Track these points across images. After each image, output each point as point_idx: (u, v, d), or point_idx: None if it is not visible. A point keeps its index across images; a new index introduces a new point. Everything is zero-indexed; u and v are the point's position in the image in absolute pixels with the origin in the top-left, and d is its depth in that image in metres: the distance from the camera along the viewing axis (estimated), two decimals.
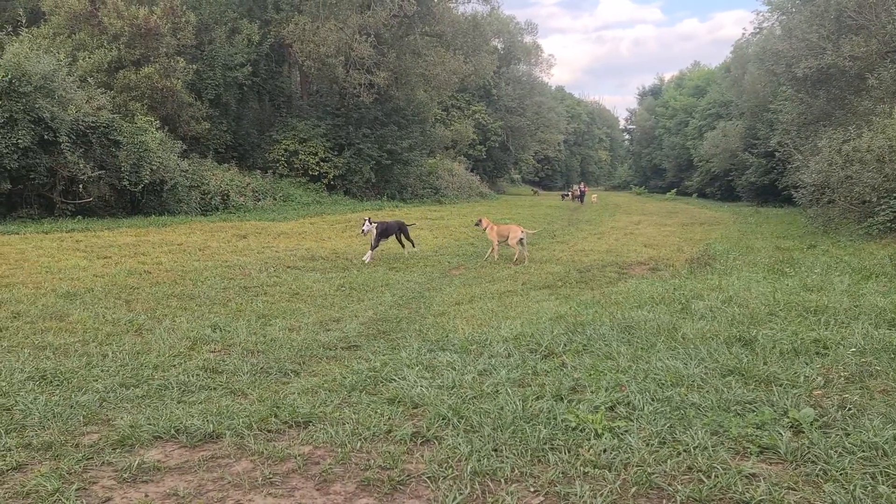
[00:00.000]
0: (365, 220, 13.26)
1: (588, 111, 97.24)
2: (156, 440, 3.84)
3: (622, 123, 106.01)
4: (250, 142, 29.16)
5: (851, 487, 2.93)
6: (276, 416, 4.21)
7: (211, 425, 4.00)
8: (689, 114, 59.65)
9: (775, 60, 22.57)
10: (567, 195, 41.35)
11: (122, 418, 4.13)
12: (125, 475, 3.36)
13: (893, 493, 2.86)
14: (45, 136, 17.55)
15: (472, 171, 46.43)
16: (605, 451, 3.56)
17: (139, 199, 20.11)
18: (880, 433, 3.43)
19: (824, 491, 2.96)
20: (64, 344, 6.05)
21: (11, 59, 17.09)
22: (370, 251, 13.08)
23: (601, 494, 3.09)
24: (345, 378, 5.03)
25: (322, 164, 29.42)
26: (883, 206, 14.15)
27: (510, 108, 55.46)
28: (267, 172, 27.48)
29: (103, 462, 3.51)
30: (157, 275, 10.35)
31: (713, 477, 3.22)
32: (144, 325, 7.05)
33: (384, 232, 13.44)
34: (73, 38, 22.96)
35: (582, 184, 54.53)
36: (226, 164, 25.59)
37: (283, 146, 29.00)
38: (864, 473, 3.08)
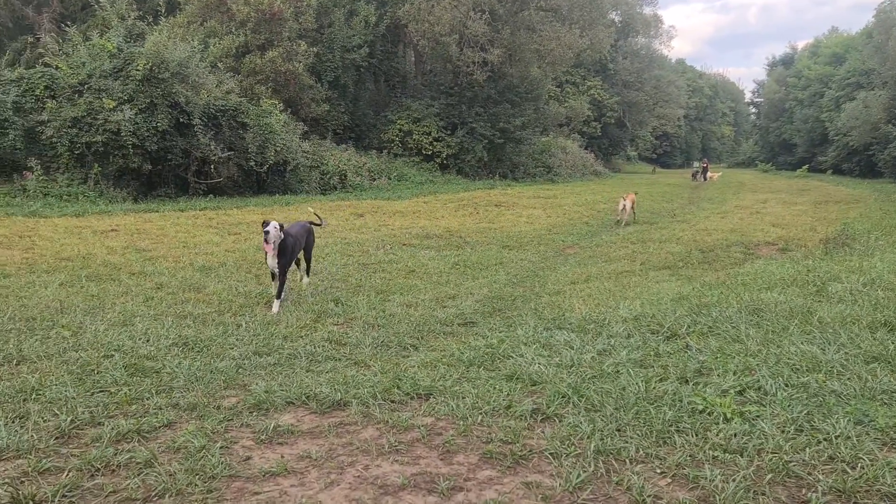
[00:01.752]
0: (269, 225, 7.02)
1: (710, 84, 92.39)
2: (288, 405, 4.06)
3: (748, 96, 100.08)
4: (366, 122, 29.90)
5: None
6: (398, 387, 4.33)
7: (338, 394, 4.18)
8: (825, 84, 55.34)
9: None
10: (697, 173, 39.16)
11: (257, 384, 4.39)
12: (262, 437, 3.57)
13: None
14: (181, 120, 18.75)
15: (586, 148, 45.37)
16: (735, 435, 3.43)
17: (264, 179, 21.13)
18: None
19: None
20: (202, 314, 6.49)
21: (152, 48, 18.32)
22: (277, 290, 7.14)
23: (733, 480, 2.97)
24: (462, 353, 5.10)
25: (435, 143, 29.72)
26: None
27: (627, 83, 53.59)
28: (382, 152, 28.09)
29: (242, 424, 3.75)
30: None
31: (858, 468, 3.02)
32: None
33: (291, 246, 7.38)
34: (205, 25, 24.30)
35: (704, 160, 52.04)
36: (343, 145, 26.38)
37: (398, 126, 29.52)
38: None
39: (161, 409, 3.91)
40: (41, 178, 17.16)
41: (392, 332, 6.01)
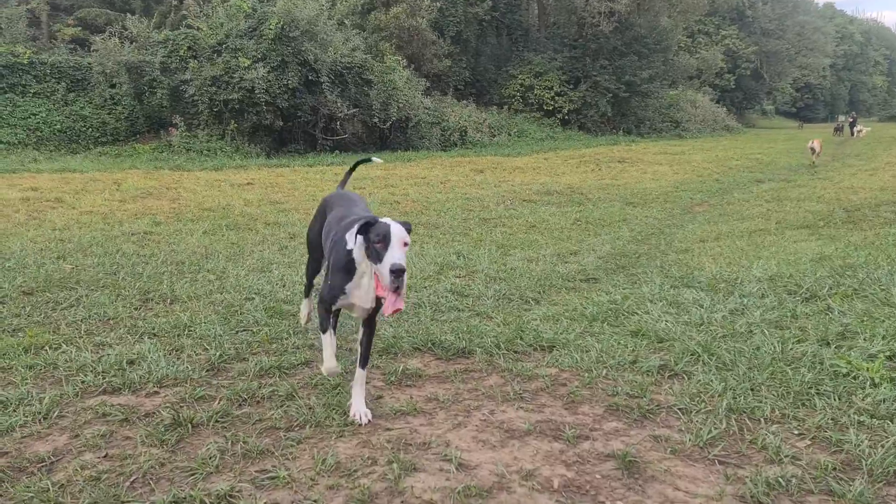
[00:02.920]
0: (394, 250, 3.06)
1: (862, 30, 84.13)
2: (415, 351, 4.20)
3: None
4: (487, 78, 29.69)
5: None
6: (521, 338, 4.37)
7: (462, 342, 4.27)
8: None
9: None
10: (842, 127, 35.75)
11: (385, 330, 4.57)
12: (392, 378, 3.73)
13: None
14: (310, 77, 19.41)
15: (717, 102, 42.84)
16: (884, 401, 3.21)
17: (387, 135, 21.60)
18: None
19: None
20: None
21: (283, 7, 18.99)
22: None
23: (882, 446, 2.80)
24: (585, 308, 5.06)
25: (557, 98, 29.10)
26: None
27: (766, 31, 49.78)
28: (502, 108, 27.87)
29: (373, 365, 3.92)
30: (405, 205, 11.12)
31: None
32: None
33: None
34: None
35: (852, 114, 47.79)
36: (464, 101, 26.40)
37: (519, 81, 29.11)
38: None
39: (298, 348, 4.16)
40: (184, 134, 18.42)
41: (513, 286, 6.03)
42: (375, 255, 2.85)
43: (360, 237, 2.97)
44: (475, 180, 14.96)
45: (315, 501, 2.46)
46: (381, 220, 2.95)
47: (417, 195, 12.35)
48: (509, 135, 25.65)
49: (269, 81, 18.24)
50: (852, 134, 36.28)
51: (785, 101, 67.85)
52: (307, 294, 4.31)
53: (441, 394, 3.52)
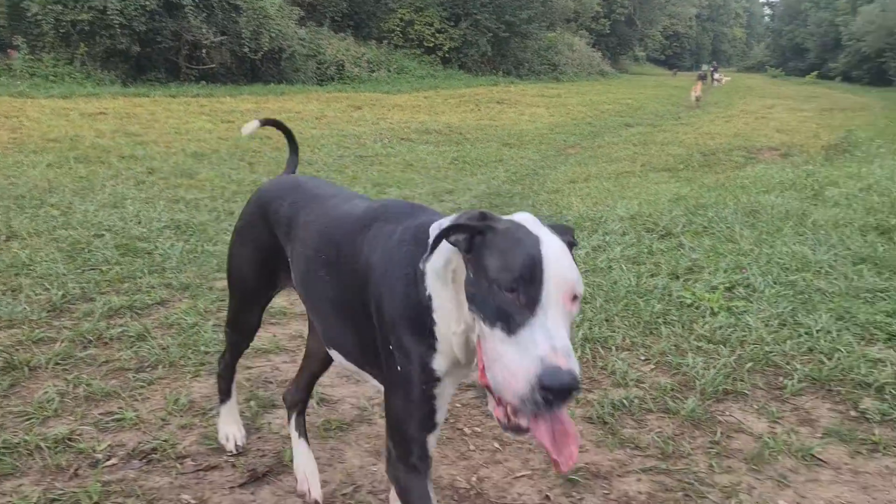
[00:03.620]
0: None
1: None
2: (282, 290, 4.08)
3: None
4: (366, 10, 28.69)
5: None
6: None
7: None
8: None
9: None
10: (704, 77, 37.29)
11: None
12: None
13: None
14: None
15: (593, 46, 43.90)
16: (720, 328, 3.48)
17: (258, 67, 20.52)
18: None
19: None
20: (195, 199, 6.44)
21: None
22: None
23: (714, 367, 3.04)
24: None
25: (437, 35, 28.68)
26: None
27: None
28: (382, 43, 27.14)
29: None
30: (277, 140, 10.69)
31: (835, 359, 3.09)
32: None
33: None
34: None
35: (714, 63, 50.52)
36: (341, 34, 25.44)
37: (399, 15, 28.38)
38: None
39: (153, 287, 3.93)
40: (27, 57, 16.64)
41: None
42: (494, 314, 1.26)
43: (445, 251, 1.40)
44: (352, 117, 14.61)
45: (165, 441, 2.36)
46: (502, 218, 1.40)
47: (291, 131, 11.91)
48: (389, 71, 25.11)
49: (124, 2, 16.74)
50: (713, 82, 38.41)
51: (655, 49, 70.63)
52: (226, 379, 2.39)
53: (306, 331, 3.45)
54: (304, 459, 2.16)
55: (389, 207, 1.67)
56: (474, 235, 1.31)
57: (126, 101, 14.19)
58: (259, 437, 2.46)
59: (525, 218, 1.38)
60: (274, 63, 20.72)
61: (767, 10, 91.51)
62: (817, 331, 3.39)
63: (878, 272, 4.23)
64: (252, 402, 2.67)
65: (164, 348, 3.10)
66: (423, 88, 22.80)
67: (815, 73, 49.44)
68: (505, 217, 1.38)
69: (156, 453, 2.30)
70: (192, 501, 2.08)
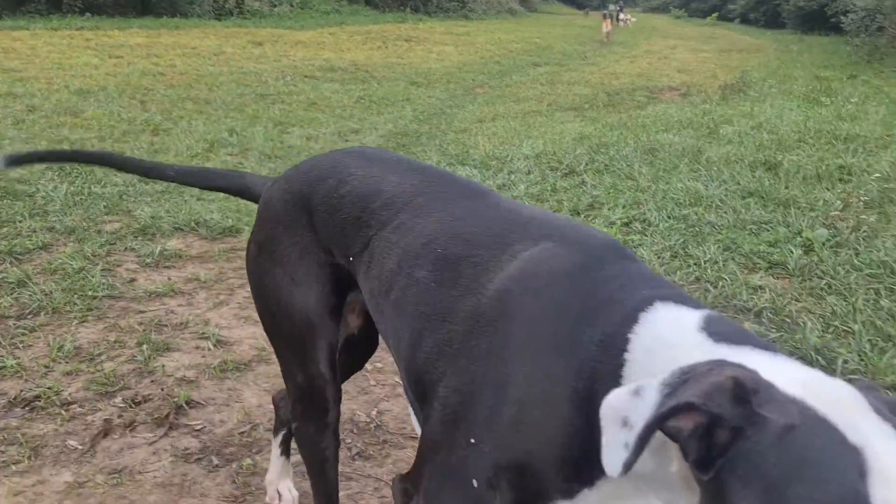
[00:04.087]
0: None
1: None
2: (176, 231, 3.93)
3: None
4: None
5: (853, 300, 2.97)
6: None
7: (230, 220, 4.07)
8: None
9: None
10: (609, 16, 37.33)
11: (142, 210, 4.20)
12: (148, 260, 3.47)
13: (894, 306, 2.90)
14: None
15: None
16: None
17: None
18: (891, 253, 3.43)
19: (826, 302, 3.01)
20: (80, 139, 6.04)
21: None
22: None
23: None
24: None
25: None
26: None
27: None
28: None
29: (126, 248, 3.61)
30: (171, 77, 10.13)
31: (720, 287, 3.28)
32: (161, 125, 6.98)
33: None
34: None
35: (620, 3, 51.05)
36: None
37: None
38: (869, 288, 3.11)
39: (35, 231, 3.68)
40: None
41: (290, 164, 5.80)
42: None
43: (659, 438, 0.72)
44: (253, 53, 13.97)
45: (49, 388, 2.25)
46: (779, 396, 0.69)
47: (186, 67, 11.28)
48: (291, 6, 24.07)
49: None
50: (618, 22, 38.89)
51: None
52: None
53: (203, 274, 3.34)
54: (277, 476, 1.81)
55: (565, 244, 1.06)
56: (718, 430, 0.68)
57: (2, 35, 13.02)
58: (153, 381, 2.39)
59: (820, 388, 0.71)
60: None
61: None
62: (705, 261, 3.57)
63: (764, 205, 4.48)
64: (144, 347, 2.58)
65: (46, 294, 2.94)
66: (328, 25, 22.03)
67: (716, 14, 50.88)
68: (783, 391, 0.69)
69: (39, 401, 2.20)
70: (79, 447, 2.01)
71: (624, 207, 4.50)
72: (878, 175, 4.88)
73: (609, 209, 4.49)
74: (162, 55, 12.34)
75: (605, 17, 32.60)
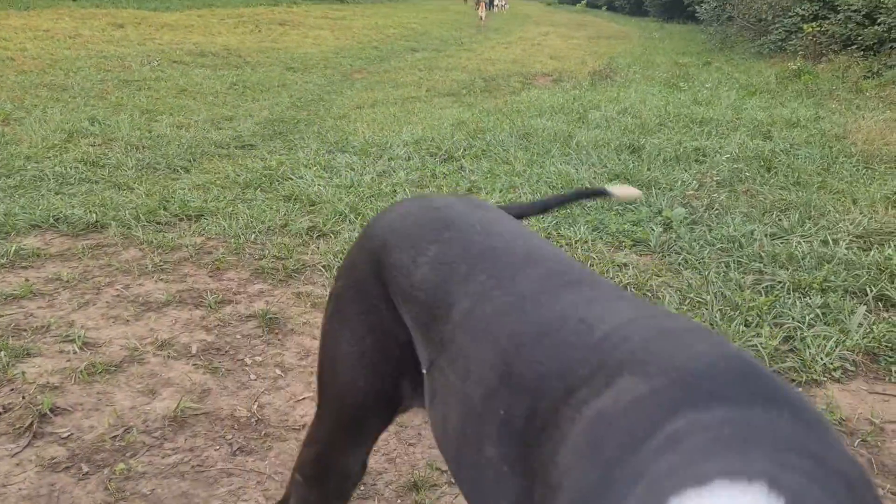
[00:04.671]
0: None
1: None
2: (33, 228, 3.68)
3: None
4: None
5: (706, 273, 3.24)
6: (165, 209, 4.10)
7: (94, 216, 3.86)
8: None
9: None
10: (481, 1, 37.84)
11: None
12: (1, 261, 3.23)
13: (742, 277, 3.19)
14: None
15: None
16: None
17: None
18: (739, 229, 3.76)
19: (683, 276, 3.26)
20: None
21: None
22: None
23: None
24: (238, 175, 4.92)
25: None
26: (776, 25, 14.46)
27: None
28: None
29: None
30: (22, 62, 9.37)
31: (589, 264, 3.47)
32: (12, 114, 6.47)
33: None
34: None
35: None
36: None
37: None
38: (720, 262, 3.40)
39: None
40: None
41: (160, 154, 5.56)
42: None
43: None
44: (114, 36, 13.14)
45: None
46: None
47: (38, 51, 10.45)
48: None
49: None
50: (492, 8, 39.59)
51: None
52: None
53: (66, 273, 3.16)
54: None
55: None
56: None
57: None
58: (12, 390, 2.25)
59: None
60: None
61: None
62: (576, 241, 3.76)
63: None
64: (1, 353, 2.42)
65: None
66: (196, 6, 21.04)
67: (585, 2, 52.84)
68: None
69: None
70: None
71: (501, 191, 4.65)
72: (727, 156, 5.31)
73: (486, 193, 4.62)
74: (11, 38, 11.37)
75: (477, 2, 33.31)
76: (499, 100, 9.26)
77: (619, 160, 5.40)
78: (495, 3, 38.46)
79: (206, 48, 12.70)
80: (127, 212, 3.97)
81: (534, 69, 13.04)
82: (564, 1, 62.16)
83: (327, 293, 3.07)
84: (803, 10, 13.74)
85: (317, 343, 2.66)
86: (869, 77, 9.92)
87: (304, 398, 2.32)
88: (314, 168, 5.20)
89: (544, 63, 14.16)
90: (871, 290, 3.00)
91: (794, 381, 2.42)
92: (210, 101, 8.23)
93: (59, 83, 8.23)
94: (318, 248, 3.67)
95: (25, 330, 2.62)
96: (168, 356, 2.50)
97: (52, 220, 3.74)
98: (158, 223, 3.93)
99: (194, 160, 5.55)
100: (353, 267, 1.20)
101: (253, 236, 3.78)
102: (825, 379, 2.42)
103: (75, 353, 2.47)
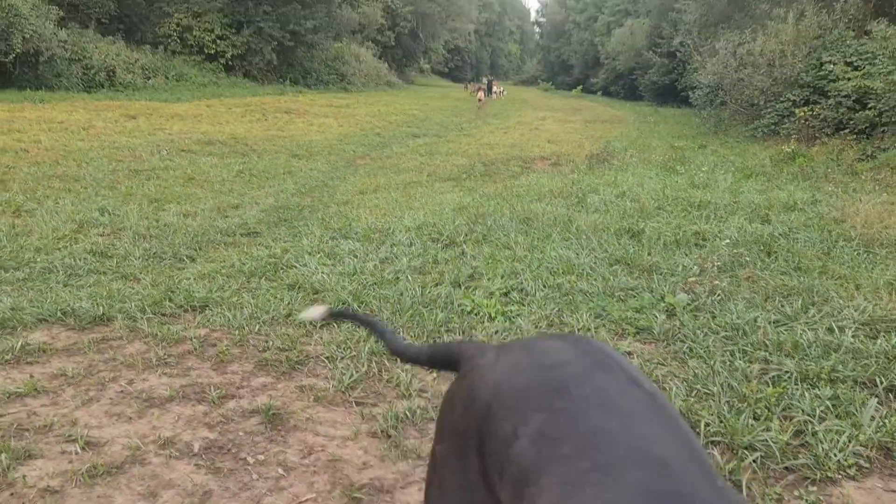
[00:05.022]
0: None
1: (500, 1, 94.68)
2: (41, 323, 3.70)
3: (533, 16, 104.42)
4: (138, 13, 26.69)
5: (712, 362, 3.23)
6: (170, 300, 4.13)
7: (101, 308, 3.89)
8: (599, 9, 59.26)
9: None
10: (481, 89, 38.93)
11: (1, 301, 3.93)
12: (7, 357, 3.24)
13: (748, 367, 3.17)
14: None
15: (380, 58, 44.74)
16: (496, 332, 3.74)
17: (11, 71, 18.33)
18: (742, 316, 3.76)
19: (689, 366, 3.24)
20: None
21: None
22: None
23: None
24: (244, 264, 4.97)
25: (219, 41, 27.46)
26: (769, 109, 14.87)
27: None
28: (157, 48, 25.43)
29: None
30: (36, 154, 9.64)
31: None
32: (24, 205, 6.62)
33: None
34: None
35: (491, 76, 53.81)
36: (110, 37, 23.46)
37: (175, 20, 26.75)
38: (725, 350, 3.39)
39: None
40: None
41: (167, 243, 5.65)
42: None
43: None
44: (126, 127, 13.56)
45: None
46: None
47: (52, 142, 10.77)
48: (167, 78, 23.63)
49: None
50: (491, 94, 40.82)
51: (439, 62, 73.75)
52: None
53: (71, 368, 3.16)
54: None
55: None
56: None
57: None
58: (12, 495, 2.22)
59: None
60: (30, 67, 18.62)
61: (537, 29, 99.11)
62: (579, 329, 3.77)
63: (630, 272, 4.79)
64: (3, 455, 2.39)
65: None
66: (206, 97, 21.78)
67: (580, 87, 54.54)
68: None
69: None
70: None
71: (503, 277, 4.68)
72: (727, 241, 5.37)
73: (488, 279, 4.65)
74: (25, 130, 11.73)
75: (478, 89, 34.54)
76: (499, 184, 9.43)
77: (620, 244, 5.46)
78: (494, 89, 39.72)
79: (214, 137, 13.07)
80: (133, 303, 4.00)
81: (532, 153, 13.31)
82: (561, 86, 64.21)
83: (330, 385, 3.07)
84: (794, 95, 14.17)
85: (319, 440, 2.64)
86: (863, 159, 10.12)
87: (306, 500, 2.28)
88: (318, 255, 5.25)
89: (542, 147, 14.48)
90: (882, 381, 2.97)
91: (808, 478, 2.38)
92: (217, 189, 8.42)
93: (71, 174, 8.44)
94: (322, 338, 3.67)
95: (28, 430, 2.61)
96: (170, 455, 2.47)
97: (59, 314, 3.77)
98: (164, 315, 3.95)
99: (200, 249, 5.62)
100: (455, 432, 1.09)
101: (257, 327, 3.80)
102: (840, 476, 2.38)
103: (77, 453, 2.44)
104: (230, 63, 28.03)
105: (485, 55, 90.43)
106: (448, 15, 57.89)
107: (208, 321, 3.88)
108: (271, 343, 3.57)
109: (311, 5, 31.22)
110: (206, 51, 27.22)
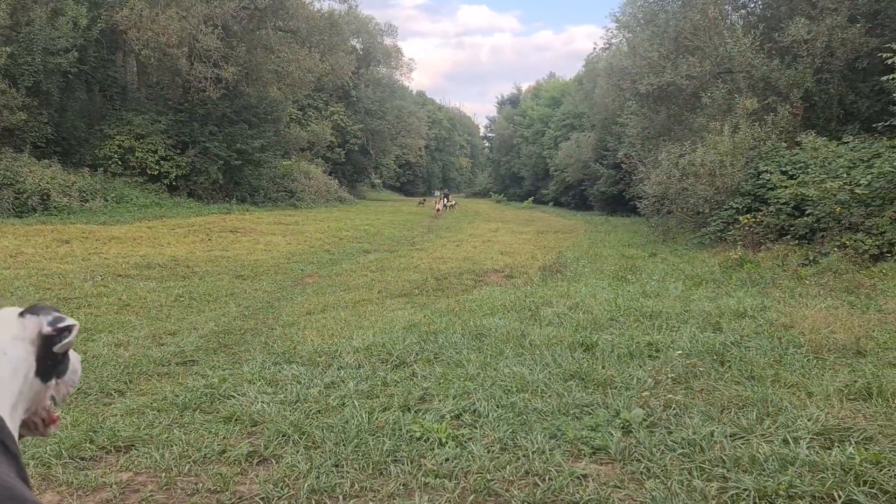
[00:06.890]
0: None
1: (449, 117, 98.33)
2: None
3: (482, 131, 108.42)
4: (77, 136, 26.51)
5: (670, 483, 3.05)
6: (91, 441, 3.79)
7: None
8: (546, 124, 61.90)
9: (621, 76, 23.53)
10: (427, 201, 39.62)
11: None
12: None
13: (706, 486, 3.00)
14: None
15: (330, 174, 45.46)
16: (447, 459, 3.50)
17: None
18: (699, 430, 3.63)
19: (646, 488, 3.07)
20: None
21: None
22: None
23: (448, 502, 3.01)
24: (177, 396, 4.66)
25: (162, 162, 27.40)
26: (714, 217, 15.36)
27: (370, 111, 54.95)
28: (97, 170, 25.15)
29: None
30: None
31: (548, 480, 3.26)
32: None
33: None
34: None
35: (445, 190, 55.20)
36: (46, 161, 23.14)
37: (117, 142, 26.66)
38: (682, 469, 3.23)
39: None
40: None
41: (94, 377, 5.28)
42: None
43: None
44: (58, 252, 13.14)
45: None
46: None
47: None
48: (106, 200, 23.25)
49: None
50: (445, 206, 41.61)
51: (390, 176, 75.50)
52: None
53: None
54: None
55: None
56: None
57: None
58: None
59: None
60: None
61: (487, 143, 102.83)
62: (533, 452, 3.56)
63: (584, 387, 4.64)
64: None
65: None
66: (147, 218, 21.50)
67: (532, 198, 56.10)
68: None
69: None
70: None
71: (454, 398, 4.47)
72: (680, 351, 5.30)
73: (440, 401, 4.44)
74: None
75: (437, 200, 35.54)
76: (451, 299, 9.29)
77: (574, 358, 5.33)
78: (444, 202, 40.56)
79: (154, 260, 12.76)
80: (48, 448, 3.64)
81: (485, 266, 13.33)
82: (513, 198, 65.98)
83: None
84: (737, 203, 14.75)
85: None
86: (806, 264, 10.41)
87: None
88: (258, 383, 4.98)
89: (495, 259, 14.54)
90: (840, 496, 2.84)
91: None
92: (153, 316, 8.07)
93: None
94: (258, 476, 3.37)
95: None
96: None
97: None
98: (83, 458, 3.60)
99: (131, 381, 5.28)
100: None
101: (187, 467, 3.48)
102: None
103: None
104: (174, 183, 27.91)
105: (436, 169, 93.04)
106: (398, 132, 59.82)
107: (133, 463, 3.54)
108: (201, 485, 3.26)
109: (259, 125, 31.79)
110: (149, 172, 27.08)
